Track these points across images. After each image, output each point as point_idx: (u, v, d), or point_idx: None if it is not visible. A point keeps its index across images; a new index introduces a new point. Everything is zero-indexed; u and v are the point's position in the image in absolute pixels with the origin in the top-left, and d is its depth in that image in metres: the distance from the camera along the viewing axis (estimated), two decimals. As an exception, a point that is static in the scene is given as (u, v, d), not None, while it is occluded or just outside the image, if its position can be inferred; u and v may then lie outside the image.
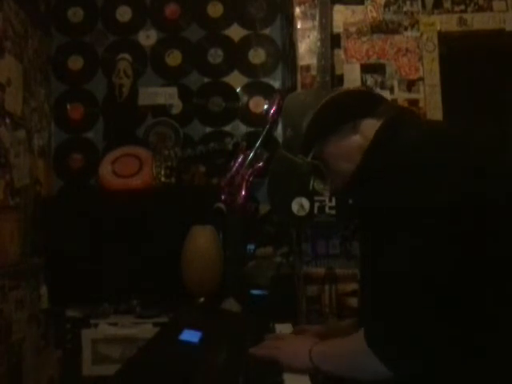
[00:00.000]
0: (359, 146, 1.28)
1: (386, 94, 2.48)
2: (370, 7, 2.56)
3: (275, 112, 2.65)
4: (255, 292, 2.48)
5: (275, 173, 2.34)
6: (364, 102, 1.34)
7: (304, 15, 2.55)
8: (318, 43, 2.43)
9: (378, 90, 2.50)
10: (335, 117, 1.33)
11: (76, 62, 3.10)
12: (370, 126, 1.28)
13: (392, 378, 1.10)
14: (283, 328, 1.63)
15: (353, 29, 2.55)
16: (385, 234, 1.13)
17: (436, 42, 2.52)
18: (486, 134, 1.31)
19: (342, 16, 2.54)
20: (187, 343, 1.33)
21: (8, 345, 2.33)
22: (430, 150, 1.17)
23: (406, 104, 2.50)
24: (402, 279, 1.09)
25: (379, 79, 2.52)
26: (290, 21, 2.73)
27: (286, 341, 1.37)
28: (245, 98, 3.07)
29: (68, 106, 3.08)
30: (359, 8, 2.56)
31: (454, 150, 1.18)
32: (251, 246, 2.69)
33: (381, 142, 1.24)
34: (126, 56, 3.03)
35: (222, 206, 2.53)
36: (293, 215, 2.28)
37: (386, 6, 2.55)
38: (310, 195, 2.28)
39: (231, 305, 2.36)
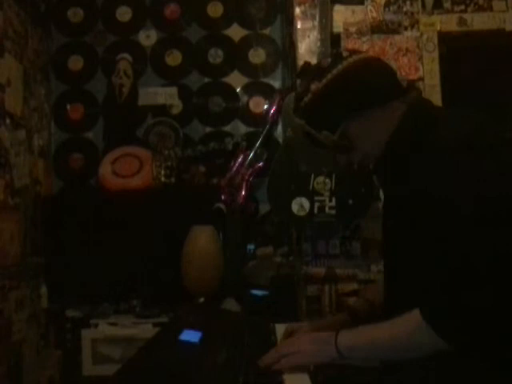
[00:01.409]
0: (387, 126, 1.28)
1: (386, 94, 2.48)
2: (370, 7, 2.56)
3: (275, 112, 2.65)
4: (255, 292, 2.48)
5: (275, 173, 2.34)
6: (394, 82, 1.33)
7: (304, 15, 2.55)
8: (318, 43, 2.43)
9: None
10: (369, 97, 1.28)
11: (76, 62, 3.10)
12: (398, 107, 1.29)
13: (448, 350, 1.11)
14: (283, 328, 1.63)
15: (353, 29, 2.54)
16: (440, 214, 1.13)
17: (436, 42, 2.52)
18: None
19: (341, 16, 2.54)
20: (187, 343, 1.33)
21: (8, 345, 2.33)
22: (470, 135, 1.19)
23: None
24: (464, 257, 1.10)
25: (379, 79, 2.52)
26: (290, 21, 2.73)
27: (296, 341, 1.35)
28: (245, 98, 3.07)
29: (68, 106, 3.08)
30: (359, 8, 2.55)
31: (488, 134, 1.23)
32: (251, 246, 2.69)
33: (414, 120, 1.27)
34: (126, 56, 3.03)
35: (221, 206, 2.53)
36: (293, 215, 2.28)
37: (386, 5, 2.55)
38: (310, 195, 2.28)
39: (231, 305, 2.36)
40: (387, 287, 1.35)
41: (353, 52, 1.34)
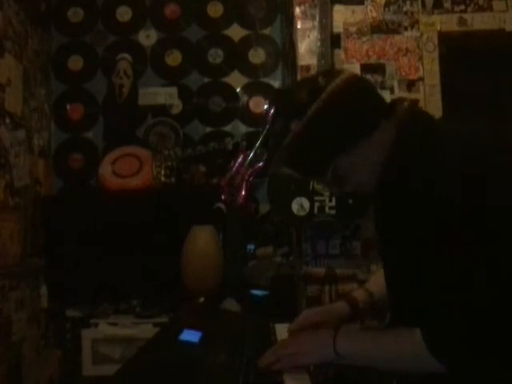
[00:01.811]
0: (378, 151, 1.18)
1: (386, 94, 2.48)
2: (370, 7, 2.56)
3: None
4: (255, 292, 2.48)
5: (275, 173, 2.34)
6: (378, 102, 1.21)
7: (304, 15, 2.55)
8: (318, 43, 2.43)
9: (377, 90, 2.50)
10: (357, 129, 1.16)
11: (76, 62, 3.10)
12: (386, 128, 1.19)
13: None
14: (283, 328, 1.63)
15: (353, 29, 2.54)
16: (442, 232, 1.08)
17: (436, 42, 2.52)
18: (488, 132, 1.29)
19: (341, 16, 2.54)
20: (187, 343, 1.33)
21: (8, 345, 2.33)
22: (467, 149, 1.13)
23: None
24: (468, 281, 1.06)
25: (379, 79, 2.52)
26: (290, 21, 2.73)
27: (296, 342, 1.35)
28: (245, 98, 3.07)
29: (68, 106, 3.08)
30: (359, 8, 2.55)
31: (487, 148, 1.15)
32: (251, 246, 2.69)
33: (408, 141, 1.17)
34: (126, 56, 3.03)
35: (222, 205, 2.53)
36: (293, 215, 2.28)
37: (386, 6, 2.55)
38: (310, 195, 2.28)
39: (231, 305, 2.36)
40: (391, 299, 1.34)
41: (329, 76, 1.18)
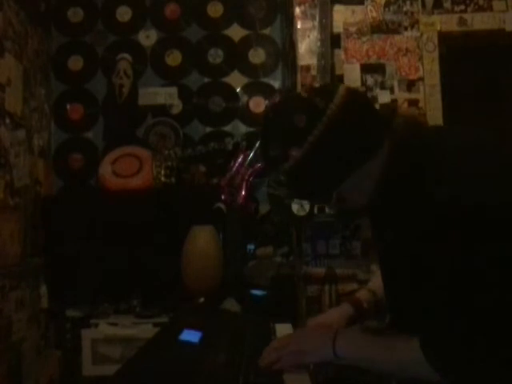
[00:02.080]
0: (375, 171, 1.15)
1: (386, 94, 2.48)
2: (370, 7, 2.56)
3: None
4: (255, 292, 2.48)
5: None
6: (378, 120, 1.17)
7: (304, 15, 2.55)
8: (318, 43, 2.43)
9: (377, 90, 2.51)
10: (361, 154, 1.12)
11: (76, 62, 3.10)
12: (386, 142, 1.15)
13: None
14: (283, 328, 1.63)
15: (353, 29, 2.55)
16: (443, 242, 1.06)
17: (436, 41, 2.52)
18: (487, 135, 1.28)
19: (341, 16, 2.55)
20: (187, 343, 1.33)
21: (8, 345, 2.33)
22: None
23: (405, 104, 2.50)
24: (466, 290, 1.05)
25: (379, 79, 2.52)
26: (290, 21, 2.73)
27: (295, 340, 1.35)
28: (245, 98, 3.07)
29: (68, 106, 3.08)
30: (359, 8, 2.56)
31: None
32: (251, 246, 2.69)
33: (401, 161, 1.14)
34: (126, 56, 3.03)
35: (222, 205, 2.53)
36: (293, 215, 2.28)
37: (386, 6, 2.55)
38: (310, 195, 2.28)
39: (231, 305, 2.36)
40: (389, 301, 1.33)
41: (325, 96, 1.13)
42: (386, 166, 1.14)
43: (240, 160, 2.60)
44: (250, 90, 3.08)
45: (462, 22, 2.52)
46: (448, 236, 1.06)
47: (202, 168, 2.87)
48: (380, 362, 1.20)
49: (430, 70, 2.51)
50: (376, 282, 1.50)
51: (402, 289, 1.22)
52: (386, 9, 2.55)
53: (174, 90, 3.06)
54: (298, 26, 2.56)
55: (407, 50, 2.53)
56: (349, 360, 1.24)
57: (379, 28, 2.55)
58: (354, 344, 1.25)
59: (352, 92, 1.18)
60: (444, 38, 2.53)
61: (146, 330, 2.42)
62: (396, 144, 1.14)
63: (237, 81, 3.08)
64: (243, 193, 2.52)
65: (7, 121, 2.42)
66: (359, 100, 1.17)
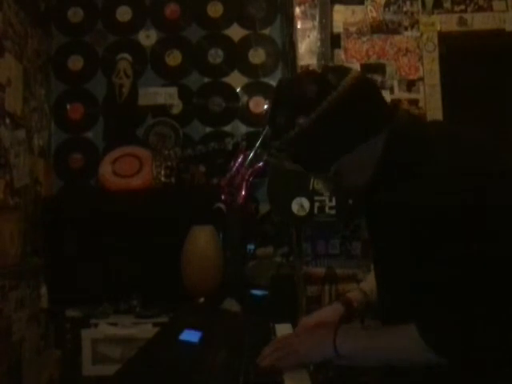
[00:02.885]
0: (373, 154, 1.20)
1: (386, 94, 2.48)
2: (370, 7, 2.56)
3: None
4: (255, 292, 2.48)
5: (275, 173, 2.34)
6: (383, 105, 1.23)
7: (304, 15, 2.55)
8: (318, 43, 2.43)
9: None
10: (364, 131, 1.17)
11: (76, 62, 3.10)
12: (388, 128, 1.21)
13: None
14: (283, 328, 1.63)
15: (353, 29, 2.54)
16: (436, 232, 1.10)
17: (436, 41, 2.52)
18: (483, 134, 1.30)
19: (341, 16, 2.54)
20: (187, 343, 1.33)
21: (8, 345, 2.33)
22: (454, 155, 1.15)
23: (405, 104, 2.50)
24: (459, 271, 1.09)
25: (379, 79, 2.52)
26: (290, 21, 2.73)
27: (295, 340, 1.36)
28: (245, 98, 3.07)
29: (68, 106, 3.08)
30: (359, 8, 2.55)
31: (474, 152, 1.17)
32: (251, 246, 2.69)
33: (397, 148, 1.20)
34: (126, 56, 3.03)
35: (222, 206, 2.53)
36: (293, 215, 2.28)
37: (386, 6, 2.55)
38: (310, 195, 2.28)
39: (231, 305, 2.36)
40: (380, 296, 1.36)
41: (339, 73, 1.18)
42: (383, 153, 1.19)
43: (240, 160, 2.60)
44: (249, 89, 3.08)
45: (461, 22, 2.52)
46: (437, 227, 1.09)
47: (202, 168, 2.87)
48: (380, 354, 1.22)
49: (430, 69, 2.51)
50: (369, 283, 1.53)
51: (395, 279, 1.24)
52: (386, 9, 2.55)
53: (173, 90, 3.06)
54: (298, 26, 2.56)
55: (407, 49, 2.53)
56: (349, 356, 1.24)
57: (379, 28, 2.55)
58: (354, 339, 1.26)
59: (363, 76, 1.23)
60: (444, 38, 2.53)
61: (145, 330, 2.43)
62: (395, 132, 1.19)
63: (237, 81, 3.08)
64: (243, 193, 2.52)
65: (7, 121, 2.42)
66: (369, 84, 1.23)
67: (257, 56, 3.09)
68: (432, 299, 1.13)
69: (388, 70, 2.53)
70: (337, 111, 1.14)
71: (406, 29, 2.54)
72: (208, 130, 3.07)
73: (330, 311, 1.54)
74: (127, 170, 2.77)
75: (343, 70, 1.20)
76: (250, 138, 2.82)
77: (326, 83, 1.16)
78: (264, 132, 2.64)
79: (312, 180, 2.27)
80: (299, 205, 2.28)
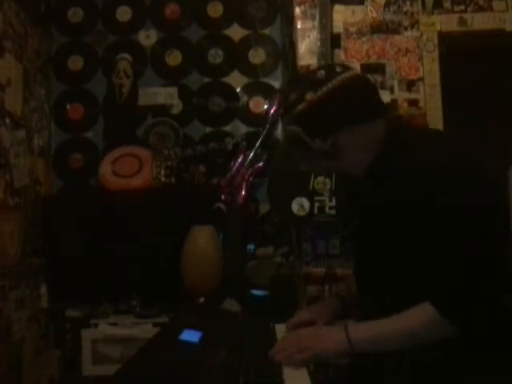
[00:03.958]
0: (372, 141, 1.35)
1: (386, 94, 2.48)
2: (370, 7, 2.56)
3: (275, 112, 2.64)
4: (255, 292, 2.48)
5: (275, 173, 2.34)
6: (379, 100, 1.41)
7: (304, 15, 2.55)
8: (318, 43, 2.43)
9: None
10: (362, 111, 1.35)
11: (76, 62, 3.10)
12: (381, 124, 1.37)
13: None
14: (283, 328, 1.63)
15: (353, 29, 2.54)
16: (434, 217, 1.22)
17: (436, 42, 2.52)
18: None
19: (341, 16, 2.54)
20: (187, 343, 1.33)
21: (8, 345, 2.33)
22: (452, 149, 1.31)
23: (405, 104, 2.50)
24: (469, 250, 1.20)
25: (379, 79, 2.52)
26: (290, 21, 2.73)
27: (307, 336, 1.37)
28: (245, 98, 3.07)
29: (68, 106, 3.08)
30: (359, 8, 2.55)
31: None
32: (251, 246, 2.69)
33: (399, 135, 1.37)
34: (126, 56, 3.03)
35: (222, 206, 2.53)
36: (293, 215, 2.28)
37: (386, 5, 2.55)
38: (310, 195, 2.28)
39: (231, 305, 2.36)
40: (362, 284, 1.45)
41: (345, 67, 1.39)
42: (379, 144, 1.35)
43: (240, 160, 2.60)
44: (249, 89, 3.08)
45: (462, 21, 2.52)
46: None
47: (202, 168, 2.87)
48: (395, 335, 1.27)
49: (430, 69, 2.51)
50: (342, 291, 1.64)
51: (401, 263, 1.31)
52: (386, 9, 2.55)
53: (173, 90, 3.06)
54: (298, 26, 2.56)
55: (407, 50, 2.53)
56: (364, 345, 1.28)
57: (379, 28, 2.55)
58: (366, 327, 1.31)
59: (365, 75, 1.52)
60: (444, 38, 2.53)
61: (145, 330, 2.43)
62: (389, 124, 1.37)
63: (237, 81, 3.08)
64: (243, 193, 2.52)
65: (7, 121, 2.42)
66: (369, 80, 1.46)
67: (257, 56, 3.09)
68: (447, 277, 1.21)
69: (388, 70, 2.53)
70: (340, 92, 1.33)
71: (405, 29, 2.54)
72: (208, 129, 3.06)
73: (324, 306, 1.60)
74: (127, 170, 2.77)
75: (348, 67, 1.41)
76: (250, 138, 2.82)
77: (332, 70, 1.36)
78: (264, 132, 2.64)
79: (312, 180, 2.27)
80: (299, 205, 2.28)
